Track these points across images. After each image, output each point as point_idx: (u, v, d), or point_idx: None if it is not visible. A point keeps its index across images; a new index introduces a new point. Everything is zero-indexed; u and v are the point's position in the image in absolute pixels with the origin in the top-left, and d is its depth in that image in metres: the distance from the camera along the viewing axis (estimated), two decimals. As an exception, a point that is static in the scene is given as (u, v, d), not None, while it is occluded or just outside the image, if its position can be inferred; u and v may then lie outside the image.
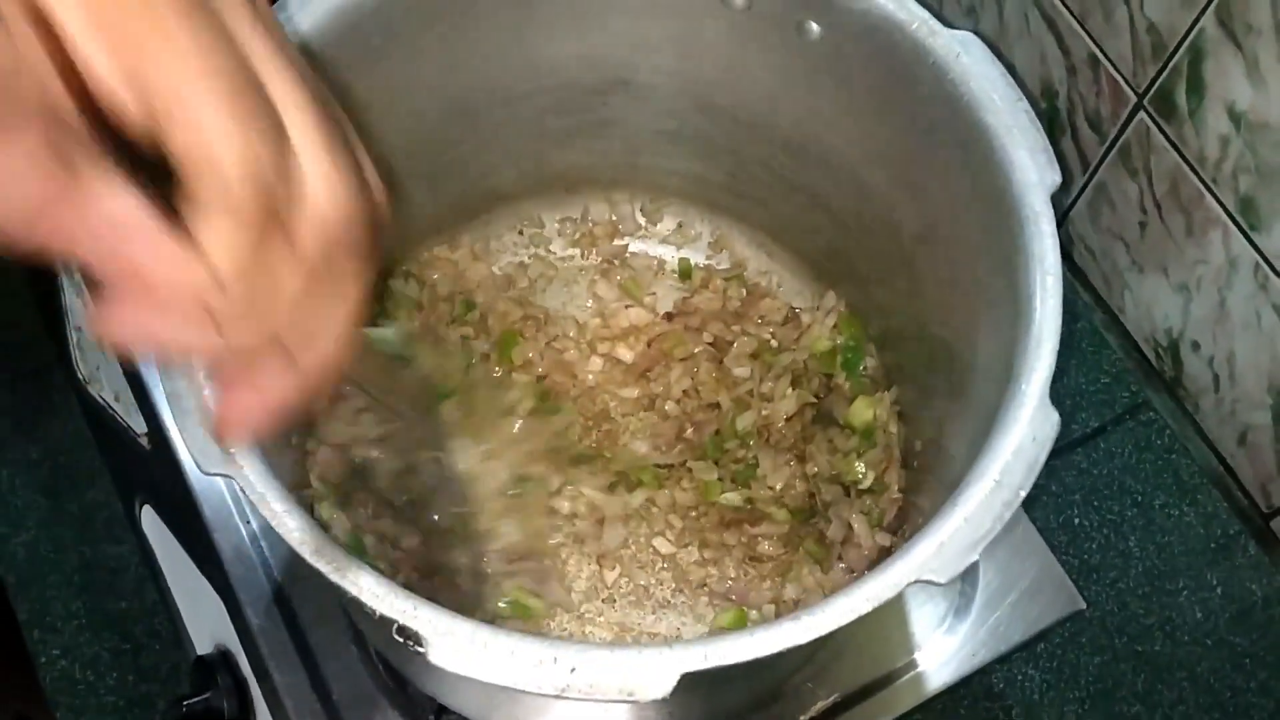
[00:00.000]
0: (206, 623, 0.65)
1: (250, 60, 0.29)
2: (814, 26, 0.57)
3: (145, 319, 0.29)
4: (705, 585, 0.66)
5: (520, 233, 0.75)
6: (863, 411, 0.66)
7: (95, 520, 0.73)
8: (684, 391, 0.70)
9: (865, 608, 0.41)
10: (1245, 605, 0.73)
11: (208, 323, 0.29)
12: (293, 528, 0.42)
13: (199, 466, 0.43)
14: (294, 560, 0.63)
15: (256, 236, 0.29)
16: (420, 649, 0.40)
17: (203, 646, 0.65)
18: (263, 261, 0.29)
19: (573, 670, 0.39)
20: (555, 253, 0.75)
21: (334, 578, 0.40)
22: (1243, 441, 0.75)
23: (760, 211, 0.72)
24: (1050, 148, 0.51)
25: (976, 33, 0.53)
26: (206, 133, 0.27)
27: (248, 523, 0.63)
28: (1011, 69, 0.78)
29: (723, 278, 0.74)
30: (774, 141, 0.65)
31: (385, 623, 0.41)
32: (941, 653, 0.64)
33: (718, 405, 0.69)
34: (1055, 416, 0.46)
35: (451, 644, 0.40)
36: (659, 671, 0.39)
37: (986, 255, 0.52)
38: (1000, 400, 0.46)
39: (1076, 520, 0.74)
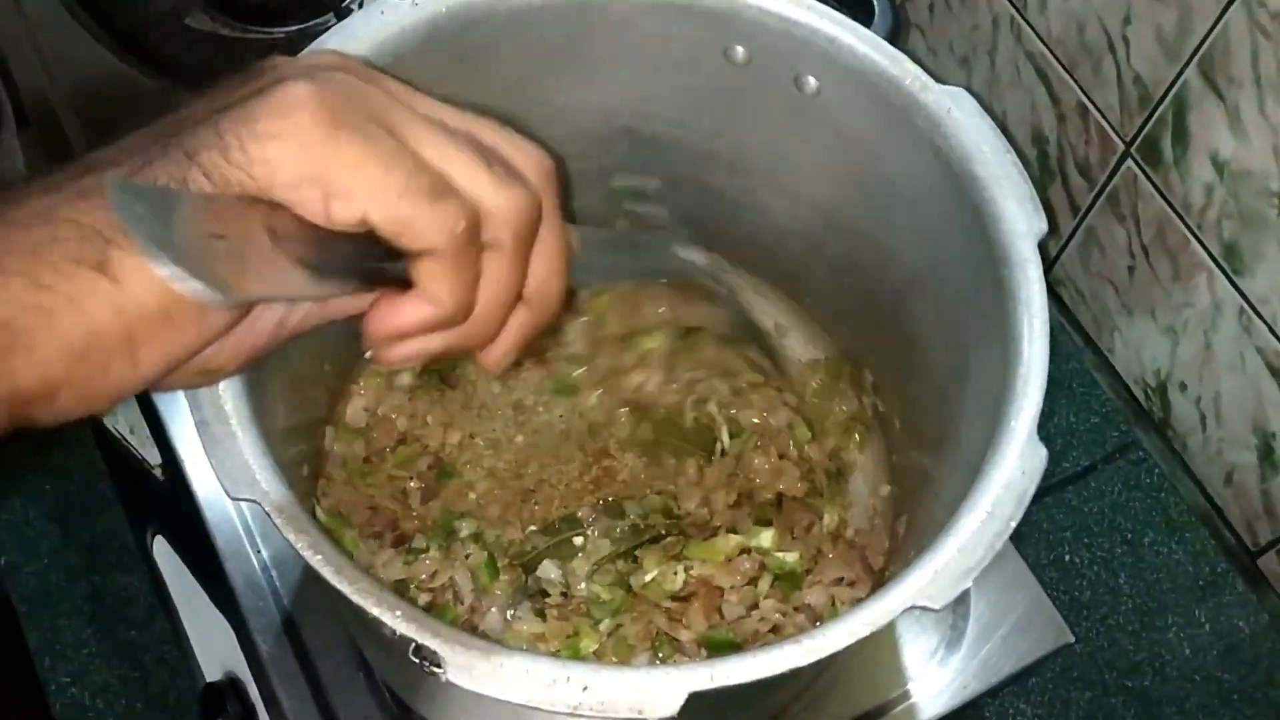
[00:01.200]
0: (215, 651, 0.66)
1: (421, 151, 0.39)
2: (811, 80, 0.59)
3: (414, 346, 0.41)
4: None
5: None
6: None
7: (106, 550, 0.74)
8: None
9: (864, 631, 0.43)
10: (1233, 642, 0.74)
11: (455, 329, 0.41)
12: (315, 549, 0.43)
13: (227, 493, 0.44)
14: (304, 589, 0.65)
15: (466, 269, 0.40)
16: (437, 669, 0.41)
17: (212, 674, 0.67)
18: (475, 278, 0.40)
19: (585, 689, 0.41)
20: None
21: (356, 598, 0.42)
22: (1229, 481, 0.77)
23: (757, 254, 0.74)
24: (1037, 197, 0.53)
25: (968, 84, 0.55)
26: (418, 224, 0.38)
27: (259, 552, 0.65)
28: (1003, 117, 0.81)
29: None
30: (771, 188, 0.67)
31: (403, 643, 0.42)
32: (934, 684, 0.66)
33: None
34: (1043, 451, 0.48)
35: (468, 663, 0.41)
36: (667, 690, 0.41)
37: (977, 299, 0.54)
38: (990, 437, 0.48)
39: (1067, 557, 0.76)
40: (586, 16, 0.58)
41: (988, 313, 0.53)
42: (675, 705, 0.41)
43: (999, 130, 0.54)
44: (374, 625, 0.42)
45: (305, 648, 0.63)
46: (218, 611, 0.65)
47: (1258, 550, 0.77)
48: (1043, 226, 0.52)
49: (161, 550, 0.70)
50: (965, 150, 0.54)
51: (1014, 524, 0.46)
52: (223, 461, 0.44)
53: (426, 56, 0.56)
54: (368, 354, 0.41)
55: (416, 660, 0.41)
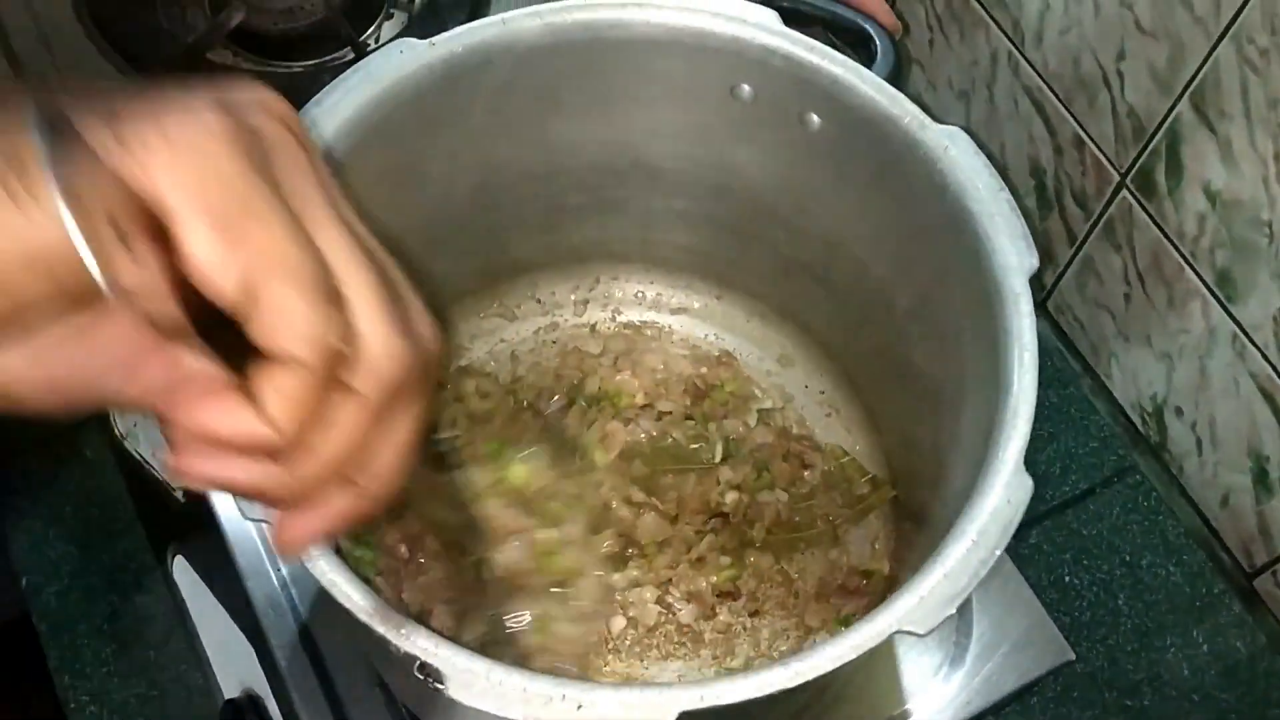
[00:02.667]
0: (235, 667, 0.68)
1: (322, 245, 0.34)
2: (815, 118, 0.61)
3: (215, 465, 0.34)
4: (704, 637, 0.69)
5: (538, 300, 0.79)
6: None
7: (126, 571, 0.76)
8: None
9: (850, 655, 0.45)
10: (1231, 662, 0.75)
11: (271, 466, 0.34)
12: (325, 570, 0.45)
13: (241, 512, 0.46)
14: (321, 606, 0.66)
15: (315, 396, 0.33)
16: (439, 685, 0.43)
17: (231, 691, 0.68)
18: (322, 413, 0.34)
19: (579, 707, 0.42)
20: (568, 320, 0.79)
21: (363, 618, 0.43)
22: (1225, 503, 0.78)
23: (763, 286, 0.76)
24: (1029, 234, 0.55)
25: (968, 117, 0.57)
26: (286, 315, 0.32)
27: (278, 570, 0.67)
28: (1002, 149, 0.83)
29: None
30: (776, 221, 0.69)
31: (408, 660, 0.44)
32: (937, 701, 0.67)
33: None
34: (1029, 482, 0.49)
35: (469, 680, 0.43)
36: (659, 709, 0.42)
37: (971, 331, 0.56)
38: (979, 467, 0.49)
39: (1067, 579, 0.77)
40: (598, 54, 0.61)
41: (981, 345, 0.54)
42: None
43: (994, 169, 0.56)
44: (382, 643, 0.44)
45: (323, 663, 0.64)
46: (237, 629, 0.67)
47: (1253, 571, 0.79)
48: (1034, 263, 0.54)
49: (181, 570, 0.72)
50: (961, 187, 0.56)
51: (999, 552, 0.47)
52: None
53: (445, 95, 0.58)
54: (160, 454, 0.37)
55: (421, 676, 0.43)
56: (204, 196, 0.31)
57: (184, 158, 0.31)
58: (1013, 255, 0.54)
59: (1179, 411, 0.79)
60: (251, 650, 0.66)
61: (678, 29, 0.60)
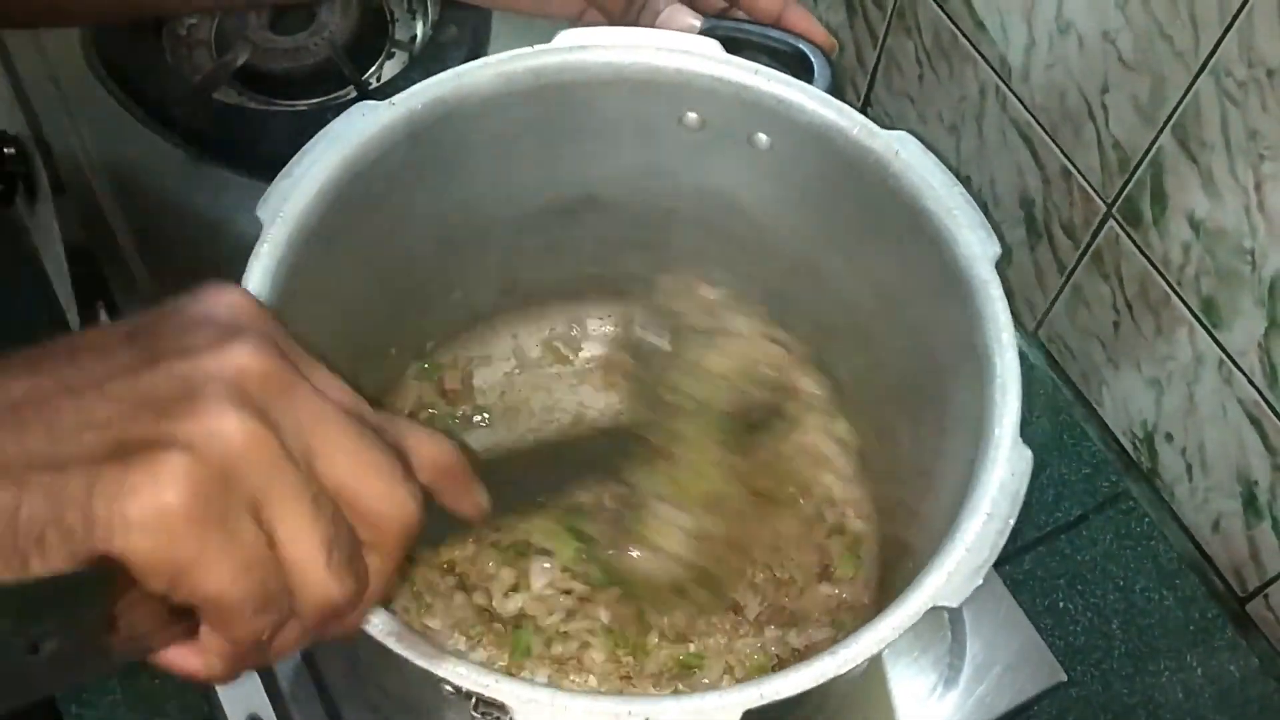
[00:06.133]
0: (239, 694, 0.68)
1: (273, 526, 0.36)
2: (763, 137, 0.63)
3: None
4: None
5: (513, 337, 0.78)
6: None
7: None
8: None
9: (891, 636, 0.46)
10: (1224, 686, 0.76)
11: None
12: (377, 621, 0.45)
13: None
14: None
15: (245, 650, 0.37)
16: (503, 718, 0.44)
17: (236, 717, 0.69)
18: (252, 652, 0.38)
19: None
20: (534, 360, 0.78)
21: (422, 663, 0.44)
22: (1216, 528, 0.79)
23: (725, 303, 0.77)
24: (988, 223, 0.57)
25: (957, 151, 0.59)
26: (233, 620, 0.36)
27: (282, 599, 0.68)
28: (991, 181, 0.85)
29: None
30: (733, 240, 0.70)
31: (463, 698, 0.45)
32: (931, 722, 0.68)
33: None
34: (1028, 453, 0.51)
35: (535, 711, 0.43)
36: (724, 712, 0.44)
37: (945, 322, 0.58)
38: (976, 448, 0.51)
39: (1062, 604, 0.78)
40: (550, 97, 0.62)
41: (957, 334, 0.56)
42: None
43: (945, 166, 0.58)
44: (418, 679, 0.44)
45: (327, 689, 0.65)
46: (242, 657, 0.68)
47: (1246, 596, 0.79)
48: (997, 249, 0.56)
49: (186, 599, 0.73)
50: (916, 187, 0.58)
51: (1011, 522, 0.49)
52: None
53: (406, 152, 0.59)
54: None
55: (480, 715, 0.44)
56: (156, 556, 0.34)
57: (153, 530, 0.34)
58: (976, 245, 0.56)
59: (1169, 437, 0.80)
60: (256, 677, 0.67)
61: (624, 66, 0.61)
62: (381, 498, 0.38)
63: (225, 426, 0.35)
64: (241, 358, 0.36)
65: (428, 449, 0.41)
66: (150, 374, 0.36)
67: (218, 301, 0.38)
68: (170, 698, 0.73)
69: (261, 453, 0.35)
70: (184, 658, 0.38)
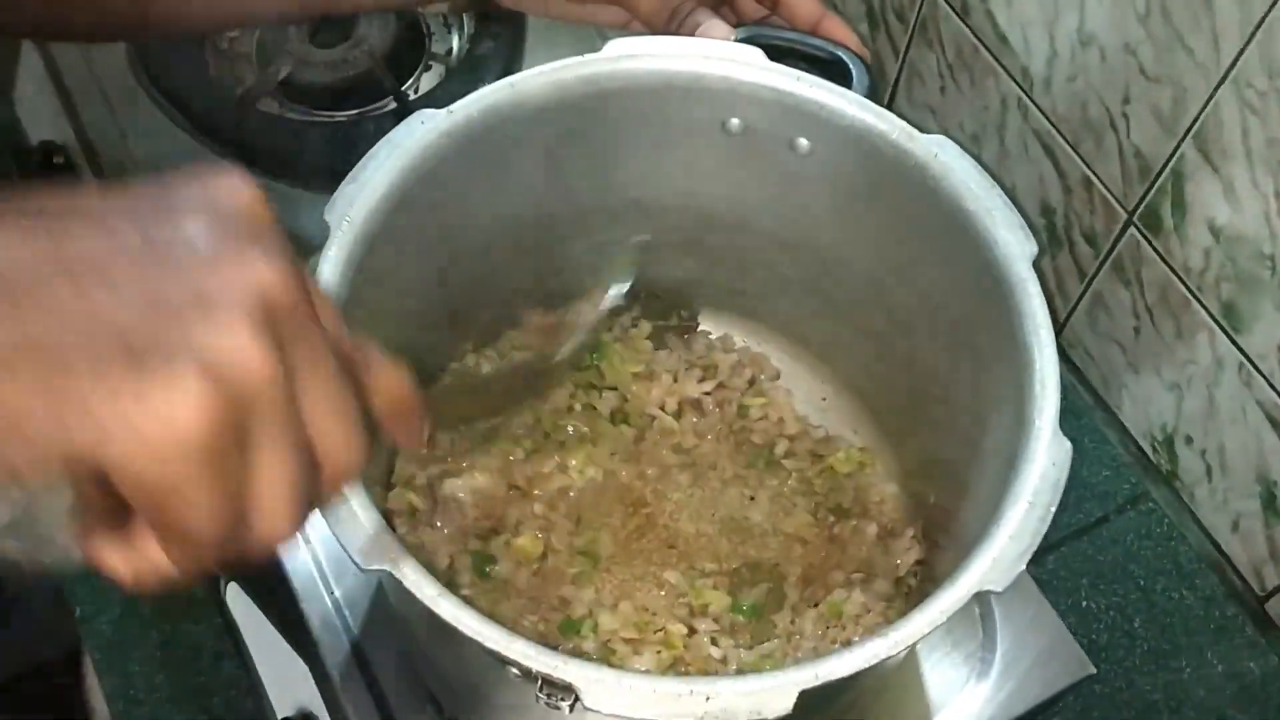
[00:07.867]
0: (289, 688, 0.70)
1: (253, 463, 0.34)
2: (803, 142, 0.64)
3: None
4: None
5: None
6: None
7: (177, 600, 0.78)
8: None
9: (940, 619, 0.48)
10: (1245, 683, 0.78)
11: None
12: (451, 609, 0.47)
13: (358, 565, 0.48)
14: (371, 625, 0.69)
15: (181, 567, 0.35)
16: (563, 701, 0.45)
17: (284, 711, 0.70)
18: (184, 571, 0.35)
19: (708, 699, 0.45)
20: None
21: (492, 645, 0.46)
22: (1236, 528, 0.81)
23: (762, 307, 0.78)
24: (1025, 224, 0.58)
25: (979, 160, 0.61)
26: (186, 536, 0.33)
27: (331, 593, 0.69)
28: (1013, 189, 0.87)
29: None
30: (773, 243, 0.71)
31: (529, 679, 0.46)
32: (964, 714, 0.69)
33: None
34: (1068, 444, 0.53)
35: (602, 690, 0.45)
36: (780, 691, 0.46)
37: (984, 321, 0.59)
38: (1017, 441, 0.53)
39: (1085, 603, 0.80)
40: (597, 104, 0.64)
41: (995, 332, 0.58)
42: (789, 703, 0.45)
43: (983, 168, 0.60)
44: (478, 658, 0.46)
45: (376, 681, 0.67)
46: (292, 651, 0.69)
47: (1265, 595, 0.81)
48: (1034, 248, 0.58)
49: (235, 596, 0.74)
50: (955, 189, 0.59)
51: (1053, 509, 0.51)
52: (352, 539, 0.48)
53: (461, 160, 0.61)
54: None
55: (545, 695, 0.45)
56: (148, 474, 0.31)
57: (160, 450, 0.31)
58: (1014, 245, 0.58)
59: (1189, 440, 0.82)
60: (306, 671, 0.69)
61: (672, 74, 0.63)
62: (341, 446, 0.36)
63: (247, 356, 0.32)
64: (265, 274, 0.33)
65: (385, 380, 0.39)
66: (159, 270, 0.32)
67: (229, 191, 0.35)
68: (216, 693, 0.75)
69: (275, 392, 0.33)
70: (111, 557, 0.35)
